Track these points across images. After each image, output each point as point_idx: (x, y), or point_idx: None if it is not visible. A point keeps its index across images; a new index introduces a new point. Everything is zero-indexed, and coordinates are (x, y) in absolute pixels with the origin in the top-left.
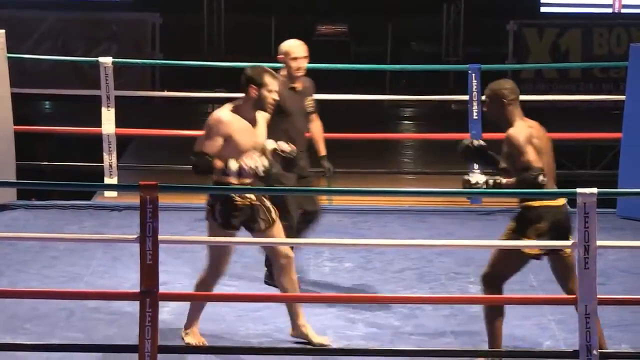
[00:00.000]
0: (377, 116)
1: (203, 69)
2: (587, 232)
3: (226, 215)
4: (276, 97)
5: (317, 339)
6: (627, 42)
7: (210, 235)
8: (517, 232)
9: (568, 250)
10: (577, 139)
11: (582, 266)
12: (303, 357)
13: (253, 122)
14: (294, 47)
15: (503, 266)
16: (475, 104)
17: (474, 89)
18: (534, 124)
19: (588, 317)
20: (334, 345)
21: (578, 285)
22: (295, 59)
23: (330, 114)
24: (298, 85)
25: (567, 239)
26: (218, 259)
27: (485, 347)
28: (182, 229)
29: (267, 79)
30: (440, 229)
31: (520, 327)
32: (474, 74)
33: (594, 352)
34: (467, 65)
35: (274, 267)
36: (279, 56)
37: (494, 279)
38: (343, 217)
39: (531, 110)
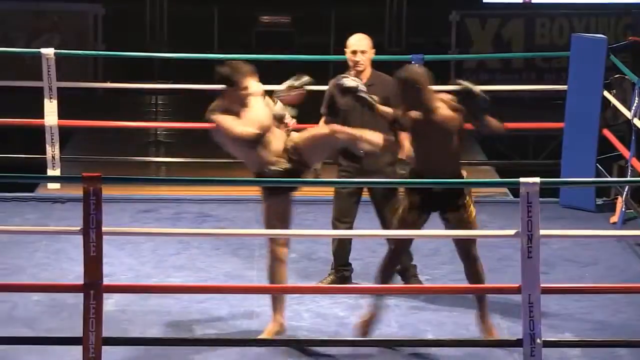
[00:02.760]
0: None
1: (146, 60)
2: (530, 221)
3: None
4: None
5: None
6: (569, 32)
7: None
8: None
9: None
10: (520, 128)
11: (526, 255)
12: (248, 348)
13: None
14: (350, 40)
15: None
16: None
17: None
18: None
19: (531, 306)
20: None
21: (521, 275)
22: (354, 52)
23: None
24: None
25: None
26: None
27: (429, 337)
28: (125, 221)
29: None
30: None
31: (464, 315)
32: (416, 64)
33: (538, 340)
34: (410, 56)
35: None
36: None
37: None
38: None
39: None
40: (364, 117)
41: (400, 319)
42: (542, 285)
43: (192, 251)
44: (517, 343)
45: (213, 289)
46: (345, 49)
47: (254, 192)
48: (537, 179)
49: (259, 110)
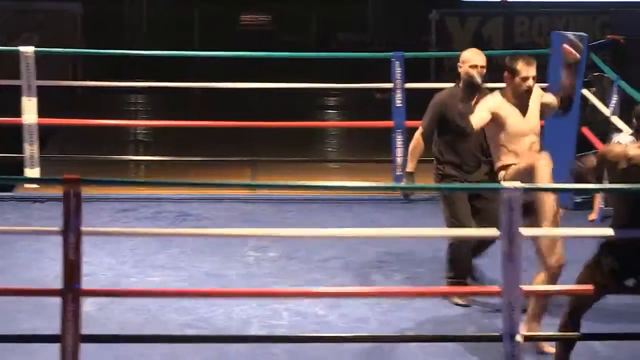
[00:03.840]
0: (302, 105)
1: (125, 59)
2: (512, 223)
3: None
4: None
5: None
6: (548, 31)
7: None
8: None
9: None
10: None
11: (507, 257)
12: (227, 344)
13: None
14: (472, 55)
15: None
16: (399, 91)
17: (397, 77)
18: None
19: (512, 307)
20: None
21: (502, 277)
22: (474, 66)
23: (255, 104)
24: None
25: None
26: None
27: (409, 333)
28: (105, 220)
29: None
30: (365, 218)
31: (445, 314)
32: (397, 62)
33: (517, 338)
34: (391, 54)
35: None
36: (458, 64)
37: None
38: (267, 207)
39: None
40: (474, 134)
41: (380, 317)
42: (522, 287)
43: (171, 250)
44: (497, 339)
45: (190, 293)
46: (460, 64)
47: (234, 191)
48: (520, 184)
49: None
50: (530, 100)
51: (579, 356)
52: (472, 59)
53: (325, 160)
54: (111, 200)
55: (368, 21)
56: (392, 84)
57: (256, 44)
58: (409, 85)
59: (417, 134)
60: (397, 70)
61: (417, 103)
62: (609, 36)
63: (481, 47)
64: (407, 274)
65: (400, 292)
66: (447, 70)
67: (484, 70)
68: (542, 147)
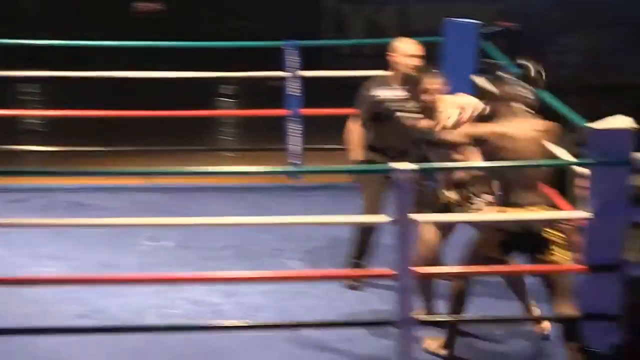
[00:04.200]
0: (196, 94)
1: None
2: (403, 207)
3: None
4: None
5: None
6: (442, 18)
7: None
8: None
9: None
10: None
11: (399, 240)
12: (122, 335)
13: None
14: (406, 45)
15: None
16: (293, 80)
17: (292, 65)
18: None
19: (405, 290)
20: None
21: (395, 260)
22: (410, 56)
23: (149, 92)
24: (408, 88)
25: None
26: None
27: (304, 320)
28: None
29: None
30: (261, 206)
31: (340, 300)
32: (291, 50)
33: (411, 321)
34: (285, 42)
35: None
36: (388, 54)
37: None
38: (162, 196)
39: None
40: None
41: (276, 304)
42: (415, 269)
43: (65, 241)
44: (391, 324)
45: (84, 280)
46: (392, 54)
47: (128, 180)
48: (410, 166)
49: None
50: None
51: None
52: (405, 48)
53: (221, 149)
54: (3, 191)
55: (262, 9)
56: (286, 73)
57: (150, 32)
58: (303, 73)
59: (355, 125)
60: (292, 58)
61: (311, 91)
62: (502, 23)
63: (375, 35)
64: (304, 261)
65: (294, 276)
66: (342, 58)
67: (420, 61)
68: None
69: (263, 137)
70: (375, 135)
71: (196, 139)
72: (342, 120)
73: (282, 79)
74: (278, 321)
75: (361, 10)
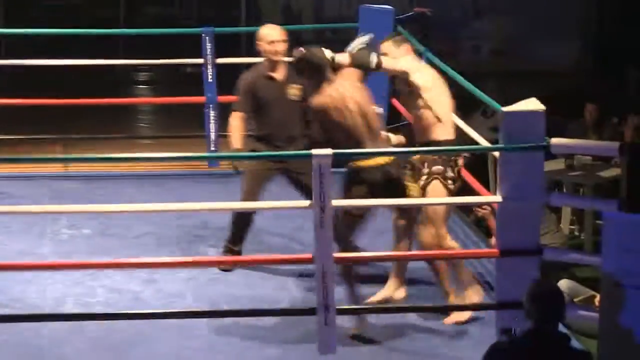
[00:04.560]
0: (110, 81)
1: None
2: (323, 192)
3: None
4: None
5: None
6: (357, 4)
7: None
8: (344, 192)
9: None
10: None
11: (319, 225)
12: (41, 323)
13: None
14: (270, 31)
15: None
16: (209, 66)
17: (208, 52)
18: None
19: (325, 276)
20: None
21: (314, 245)
22: (271, 42)
23: (67, 80)
24: (279, 74)
25: (394, 196)
26: None
27: (224, 308)
28: None
29: None
30: (177, 193)
31: (260, 287)
32: (207, 37)
33: (331, 309)
34: (201, 29)
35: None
36: (257, 43)
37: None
38: (79, 184)
39: None
40: (284, 109)
41: (196, 291)
42: (334, 254)
43: None
44: (311, 312)
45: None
46: (259, 42)
47: (44, 168)
48: (329, 151)
49: None
50: None
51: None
52: (270, 35)
53: (139, 137)
54: None
55: None
56: (202, 60)
57: (62, 19)
58: (219, 60)
59: (235, 116)
60: (208, 45)
61: (228, 78)
62: (416, 9)
63: (292, 22)
64: (222, 248)
65: (213, 261)
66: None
67: (285, 45)
68: None
69: (181, 125)
70: (257, 124)
71: (114, 126)
72: None
73: (200, 65)
74: (197, 308)
75: None
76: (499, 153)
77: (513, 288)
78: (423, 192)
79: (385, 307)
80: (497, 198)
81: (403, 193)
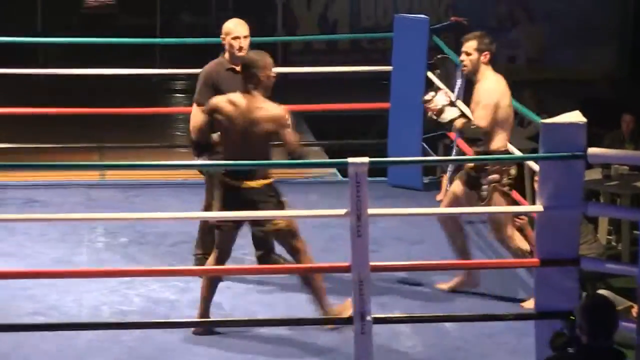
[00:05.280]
0: (147, 89)
1: None
2: (359, 200)
3: None
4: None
5: None
6: (392, 13)
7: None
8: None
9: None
10: (348, 109)
11: (355, 234)
12: (76, 332)
13: None
14: (234, 26)
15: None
16: None
17: None
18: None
19: (361, 284)
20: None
21: (351, 253)
22: (236, 38)
23: (102, 89)
24: (239, 67)
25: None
26: None
27: (260, 316)
28: None
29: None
30: None
31: (296, 296)
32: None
33: (368, 317)
34: None
35: None
36: (220, 36)
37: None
38: (115, 192)
39: (300, 82)
40: None
41: (232, 301)
42: (371, 263)
43: (18, 237)
44: (348, 321)
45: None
46: (222, 36)
47: (81, 176)
48: (366, 159)
49: None
50: None
51: (431, 336)
52: (235, 30)
53: (175, 146)
54: None
55: (211, 4)
56: None
57: (100, 27)
58: None
59: (196, 111)
60: None
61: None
62: (452, 18)
63: (327, 31)
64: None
65: (250, 270)
66: (294, 53)
67: (248, 40)
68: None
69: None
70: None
71: (150, 135)
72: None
73: None
74: (234, 317)
75: (312, 4)
76: (537, 163)
77: (551, 298)
78: (488, 202)
79: (421, 317)
80: (537, 208)
81: (263, 222)
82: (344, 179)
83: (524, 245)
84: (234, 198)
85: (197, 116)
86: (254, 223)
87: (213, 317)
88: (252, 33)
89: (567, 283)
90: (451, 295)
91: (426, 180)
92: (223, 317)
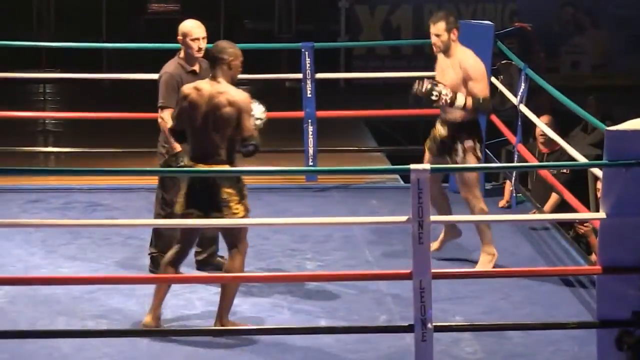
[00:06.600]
0: None
1: (33, 48)
2: (421, 207)
3: None
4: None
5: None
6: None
7: None
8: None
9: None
10: (409, 115)
11: (417, 241)
12: (139, 338)
13: None
14: (194, 28)
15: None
16: (309, 82)
17: (307, 67)
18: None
19: (423, 291)
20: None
21: (413, 260)
22: (195, 39)
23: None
24: (197, 68)
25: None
26: None
27: (322, 323)
28: (14, 211)
29: None
30: (276, 206)
31: (356, 302)
32: (307, 52)
33: (429, 325)
34: (300, 44)
35: None
36: (178, 37)
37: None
38: None
39: (364, 87)
40: None
41: (294, 305)
42: (432, 270)
43: (82, 241)
44: (408, 328)
45: (98, 280)
46: (178, 37)
47: (144, 180)
48: (428, 166)
49: None
50: None
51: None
52: (194, 31)
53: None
54: (20, 191)
55: (275, 9)
56: (301, 75)
57: (165, 32)
58: (319, 75)
59: (165, 115)
60: (307, 60)
61: (326, 93)
62: (516, 24)
63: (391, 36)
64: (320, 261)
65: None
66: (357, 59)
67: (205, 42)
68: None
69: (279, 139)
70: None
71: None
72: (353, 122)
73: (298, 80)
74: (294, 323)
75: (376, 10)
76: (601, 169)
77: (614, 306)
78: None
79: (482, 325)
80: (600, 215)
81: (221, 209)
82: (405, 184)
83: (486, 208)
84: (198, 180)
85: (169, 120)
86: (215, 209)
87: (275, 321)
88: (316, 38)
89: (630, 291)
90: (512, 301)
91: (489, 186)
92: (283, 322)
